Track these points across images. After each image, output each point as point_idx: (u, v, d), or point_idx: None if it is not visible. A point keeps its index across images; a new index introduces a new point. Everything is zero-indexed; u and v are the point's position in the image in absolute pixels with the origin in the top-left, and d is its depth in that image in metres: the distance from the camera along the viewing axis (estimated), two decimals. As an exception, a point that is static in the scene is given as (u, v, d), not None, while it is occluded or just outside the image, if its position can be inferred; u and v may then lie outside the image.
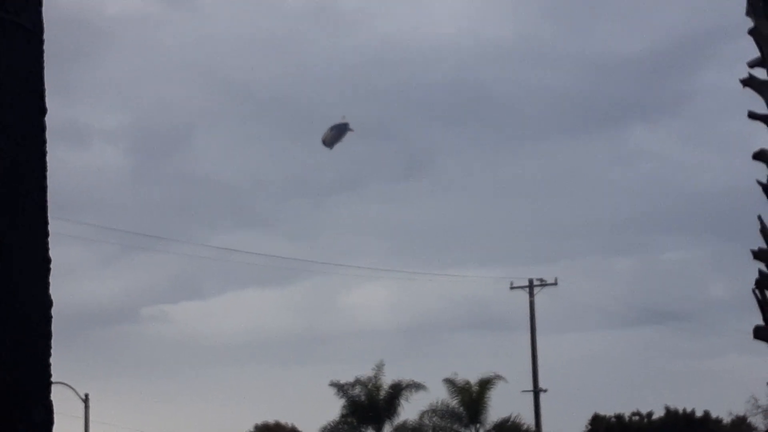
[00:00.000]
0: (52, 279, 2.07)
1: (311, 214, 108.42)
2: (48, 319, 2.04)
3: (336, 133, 71.91)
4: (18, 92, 2.00)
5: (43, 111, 2.05)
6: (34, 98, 2.03)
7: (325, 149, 72.59)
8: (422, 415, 60.03)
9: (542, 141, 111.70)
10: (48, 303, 2.04)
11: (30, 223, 1.99)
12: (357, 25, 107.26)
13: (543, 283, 67.97)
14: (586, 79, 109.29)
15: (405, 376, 59.96)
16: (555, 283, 68.23)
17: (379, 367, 59.68)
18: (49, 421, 2.05)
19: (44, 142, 2.05)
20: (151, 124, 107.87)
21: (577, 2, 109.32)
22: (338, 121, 72.15)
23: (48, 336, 2.04)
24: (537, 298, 67.68)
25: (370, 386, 59.64)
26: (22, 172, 1.98)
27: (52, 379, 2.08)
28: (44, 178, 2.02)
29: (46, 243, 2.03)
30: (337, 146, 72.48)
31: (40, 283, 2.03)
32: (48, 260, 2.04)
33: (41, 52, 2.04)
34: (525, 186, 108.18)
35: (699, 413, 79.25)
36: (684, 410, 79.40)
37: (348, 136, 72.04)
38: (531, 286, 67.83)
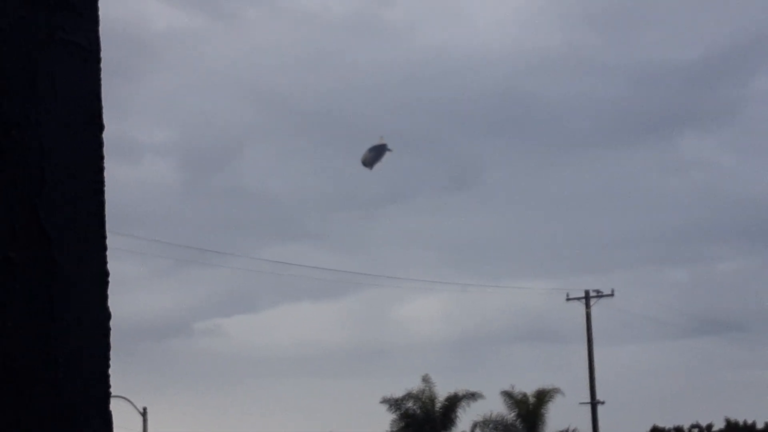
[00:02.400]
0: (109, 293, 2.11)
1: (361, 228, 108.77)
2: (106, 331, 2.08)
3: (375, 155, 72.21)
4: (76, 110, 2.05)
5: (100, 128, 2.10)
6: (92, 116, 2.08)
7: (365, 169, 72.97)
8: (474, 425, 59.82)
9: (592, 151, 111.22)
10: (106, 315, 2.08)
11: (88, 238, 2.04)
12: (401, 37, 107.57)
13: (599, 294, 67.48)
14: (635, 88, 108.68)
15: (460, 388, 59.89)
16: (612, 294, 67.71)
17: (426, 381, 59.51)
18: (108, 434, 2.09)
19: (101, 157, 2.09)
20: (200, 138, 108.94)
21: (625, 10, 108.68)
22: (376, 142, 72.41)
23: (107, 347, 2.08)
24: (593, 310, 67.26)
25: (424, 398, 59.47)
26: (80, 187, 2.03)
27: (111, 392, 2.13)
28: (102, 192, 2.07)
29: (105, 257, 2.08)
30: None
31: (98, 296, 2.07)
32: (106, 273, 2.08)
33: (98, 70, 2.10)
34: (576, 196, 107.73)
35: (760, 425, 78.31)
36: (744, 422, 78.49)
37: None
38: (587, 297, 67.37)
